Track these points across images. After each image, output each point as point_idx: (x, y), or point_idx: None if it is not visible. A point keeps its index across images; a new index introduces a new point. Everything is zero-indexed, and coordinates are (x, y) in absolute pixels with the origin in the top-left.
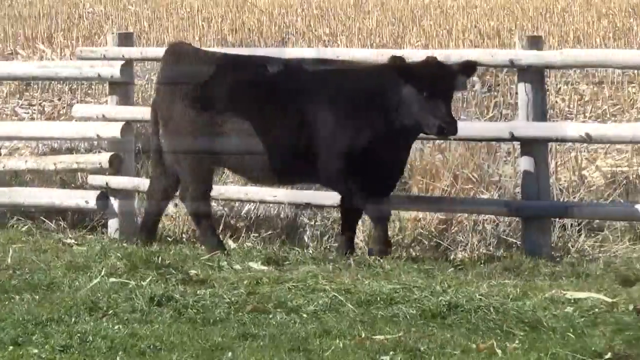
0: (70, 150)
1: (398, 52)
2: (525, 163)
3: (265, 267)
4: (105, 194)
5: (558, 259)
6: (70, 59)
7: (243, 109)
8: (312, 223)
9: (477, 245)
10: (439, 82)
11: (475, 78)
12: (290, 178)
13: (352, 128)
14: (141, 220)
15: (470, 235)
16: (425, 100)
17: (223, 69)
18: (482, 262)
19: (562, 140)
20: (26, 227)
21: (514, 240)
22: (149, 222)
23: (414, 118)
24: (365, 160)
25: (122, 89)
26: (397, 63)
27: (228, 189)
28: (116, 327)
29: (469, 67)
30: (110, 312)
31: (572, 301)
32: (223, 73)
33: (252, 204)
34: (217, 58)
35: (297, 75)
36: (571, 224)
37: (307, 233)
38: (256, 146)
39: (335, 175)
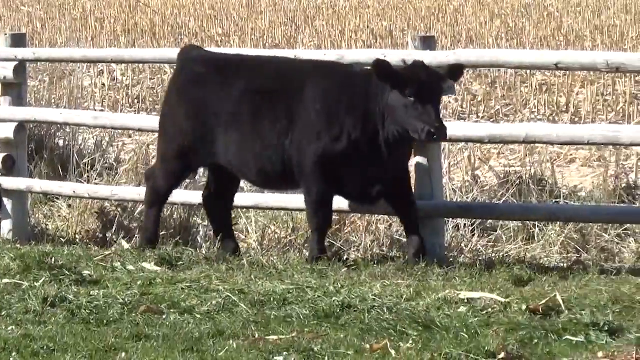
0: None
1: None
2: (419, 163)
3: (158, 268)
4: None
5: (451, 259)
6: None
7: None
8: (206, 224)
9: (370, 246)
10: (427, 86)
11: None
12: None
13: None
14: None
15: (363, 235)
16: (412, 106)
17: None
18: (376, 262)
19: (456, 140)
20: None
21: None
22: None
23: (400, 124)
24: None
25: (15, 90)
26: (381, 67)
27: (122, 189)
28: (10, 328)
29: (456, 71)
30: (4, 313)
31: (466, 301)
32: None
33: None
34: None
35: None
36: (464, 224)
37: (201, 234)
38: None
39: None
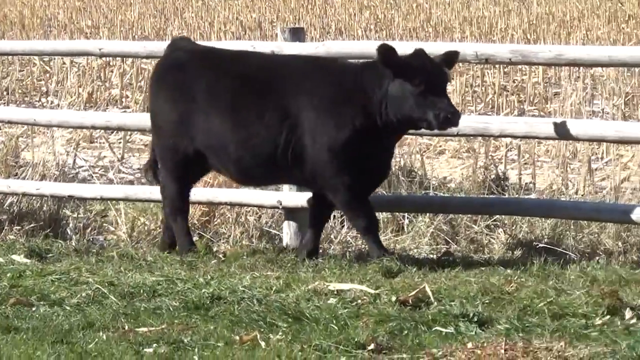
0: None
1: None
2: None
3: (28, 260)
4: None
5: (321, 251)
6: None
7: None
8: (75, 216)
9: (240, 237)
10: (436, 74)
11: None
12: None
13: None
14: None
15: (233, 227)
16: (422, 94)
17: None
18: (245, 254)
19: None
20: None
21: (277, 232)
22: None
23: (407, 114)
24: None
25: None
26: (388, 53)
27: None
28: None
29: (451, 58)
30: None
31: (335, 292)
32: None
33: (14, 196)
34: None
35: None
36: (334, 216)
37: (70, 226)
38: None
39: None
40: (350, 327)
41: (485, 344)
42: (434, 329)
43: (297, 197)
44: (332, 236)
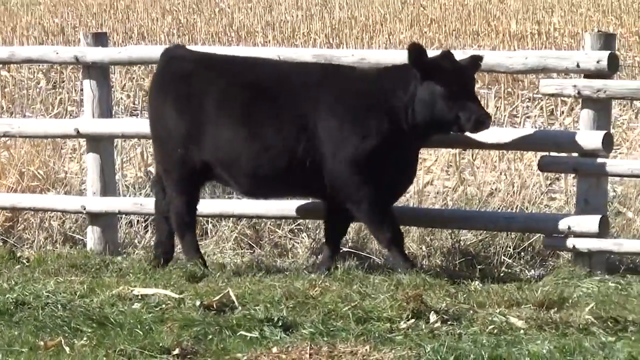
0: None
1: None
2: (91, 160)
3: None
4: None
5: (125, 255)
6: None
7: None
8: None
9: (44, 243)
10: (467, 76)
11: (40, 75)
12: None
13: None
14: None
15: (37, 232)
16: (454, 97)
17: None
18: (50, 259)
19: (129, 136)
20: None
21: (81, 237)
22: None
23: (439, 117)
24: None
25: None
26: (419, 54)
27: None
28: None
29: (475, 62)
30: None
31: (140, 297)
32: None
33: None
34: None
35: None
36: (138, 220)
37: None
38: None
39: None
40: (155, 332)
41: (290, 349)
42: (238, 333)
43: (100, 203)
44: (136, 241)
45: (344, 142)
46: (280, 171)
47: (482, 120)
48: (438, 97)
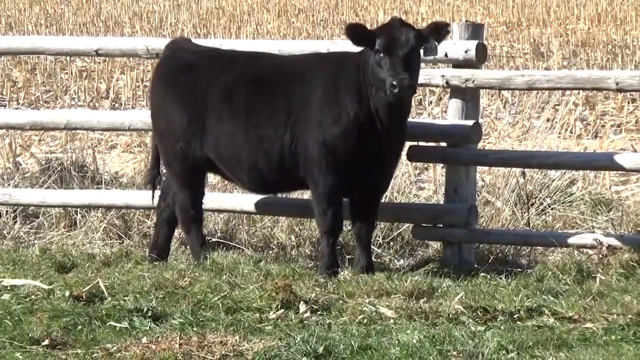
0: None
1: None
2: None
3: None
4: None
5: None
6: None
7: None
8: None
9: None
10: (395, 39)
11: None
12: None
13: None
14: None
15: None
16: (382, 61)
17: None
18: None
19: None
20: None
21: None
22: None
23: (378, 86)
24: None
25: None
26: (354, 30)
27: None
28: None
29: (440, 30)
30: None
31: (9, 288)
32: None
33: None
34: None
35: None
36: (6, 211)
37: None
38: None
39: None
40: (24, 323)
41: (159, 339)
42: (108, 324)
43: None
44: (4, 232)
45: (315, 125)
46: (275, 164)
47: (395, 85)
48: (373, 65)
